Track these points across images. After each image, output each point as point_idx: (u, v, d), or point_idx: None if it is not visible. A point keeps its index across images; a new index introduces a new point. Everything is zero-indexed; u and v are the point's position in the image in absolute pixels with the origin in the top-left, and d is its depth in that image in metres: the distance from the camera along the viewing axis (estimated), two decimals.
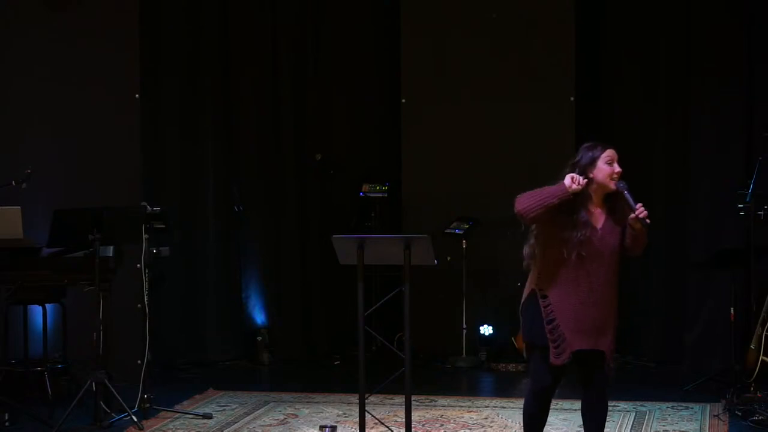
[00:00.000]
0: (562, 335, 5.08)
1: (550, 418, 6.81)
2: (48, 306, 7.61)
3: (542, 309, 5.12)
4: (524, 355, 5.76)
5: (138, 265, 7.12)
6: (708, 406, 7.19)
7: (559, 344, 5.08)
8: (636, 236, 5.09)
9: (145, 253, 7.02)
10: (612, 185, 5.11)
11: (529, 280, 5.27)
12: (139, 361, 7.09)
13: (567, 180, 5.05)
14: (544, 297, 5.13)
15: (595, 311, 5.09)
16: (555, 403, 7.14)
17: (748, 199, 7.30)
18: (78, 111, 8.15)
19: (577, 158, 5.19)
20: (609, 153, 5.16)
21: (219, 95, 9.23)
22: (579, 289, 5.08)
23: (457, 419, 7.00)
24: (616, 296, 5.16)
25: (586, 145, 5.26)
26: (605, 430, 5.35)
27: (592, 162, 5.14)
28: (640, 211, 5.01)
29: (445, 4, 9.18)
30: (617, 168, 5.13)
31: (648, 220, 5.02)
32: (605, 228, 5.11)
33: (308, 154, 9.42)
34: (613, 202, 5.15)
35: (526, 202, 5.06)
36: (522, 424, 5.43)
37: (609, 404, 5.23)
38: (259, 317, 9.35)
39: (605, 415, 5.34)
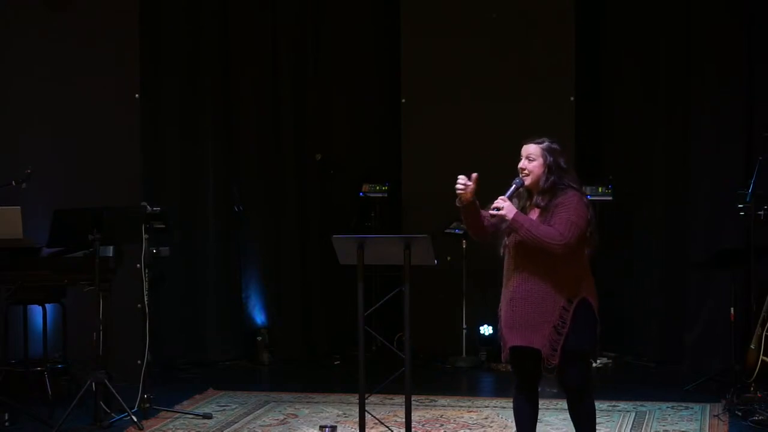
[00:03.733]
0: (502, 332, 5.21)
1: (550, 418, 6.85)
2: (48, 306, 7.61)
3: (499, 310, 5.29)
4: None
5: (138, 265, 7.12)
6: (708, 406, 7.18)
7: (503, 341, 5.21)
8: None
9: (145, 253, 7.02)
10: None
11: None
12: (139, 361, 7.08)
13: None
14: (500, 298, 5.28)
15: (525, 305, 5.09)
16: (555, 403, 7.19)
17: (748, 199, 7.30)
18: (78, 111, 8.15)
19: None
20: (522, 149, 5.27)
21: (219, 95, 9.23)
22: (510, 284, 5.17)
23: (457, 419, 7.00)
24: (556, 292, 5.07)
25: None
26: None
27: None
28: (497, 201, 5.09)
29: (445, 4, 9.18)
30: (521, 164, 5.22)
31: (496, 211, 5.07)
32: None
33: (308, 154, 9.42)
34: (547, 200, 5.15)
35: None
36: None
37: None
38: (259, 317, 9.35)
39: (586, 416, 5.30)
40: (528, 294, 5.10)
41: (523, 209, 5.19)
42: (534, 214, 5.16)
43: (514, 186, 5.17)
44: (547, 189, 5.14)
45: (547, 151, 5.20)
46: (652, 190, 8.92)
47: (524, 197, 5.23)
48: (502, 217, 5.09)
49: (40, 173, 7.58)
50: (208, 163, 9.16)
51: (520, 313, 5.12)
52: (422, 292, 8.20)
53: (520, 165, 5.21)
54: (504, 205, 5.08)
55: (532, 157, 5.20)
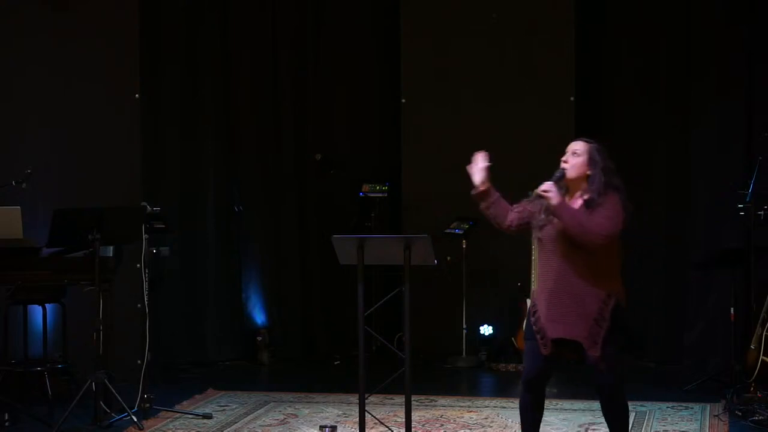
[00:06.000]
0: (542, 325, 5.20)
1: (550, 418, 6.85)
2: (48, 306, 7.61)
3: (530, 305, 5.32)
4: None
5: (138, 265, 7.12)
6: (708, 406, 7.19)
7: (542, 335, 5.20)
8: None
9: (145, 253, 7.02)
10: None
11: None
12: (139, 361, 7.08)
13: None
14: (533, 293, 5.33)
15: (565, 298, 5.13)
16: (555, 403, 7.19)
17: (748, 199, 7.31)
18: (78, 111, 8.14)
19: None
20: (569, 145, 5.32)
21: (219, 95, 9.23)
22: (550, 278, 5.20)
23: (457, 419, 7.00)
24: (596, 286, 5.12)
25: None
26: None
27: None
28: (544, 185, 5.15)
29: (445, 4, 9.19)
30: (565, 157, 5.26)
31: (543, 193, 5.11)
32: None
33: (308, 154, 9.42)
34: (592, 197, 5.20)
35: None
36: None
37: None
38: (259, 317, 9.35)
39: (618, 415, 5.30)
40: (569, 287, 5.13)
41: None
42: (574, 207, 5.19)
43: (557, 175, 5.22)
44: (595, 187, 5.18)
45: (596, 151, 5.26)
46: (652, 190, 8.91)
47: (562, 192, 5.24)
48: (546, 201, 5.12)
49: (41, 173, 7.58)
50: (208, 163, 9.16)
51: (560, 305, 5.15)
52: (422, 292, 8.20)
53: (564, 158, 5.25)
54: (552, 190, 5.13)
55: (577, 153, 5.25)
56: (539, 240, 5.26)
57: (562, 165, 5.23)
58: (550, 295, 5.18)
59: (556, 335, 5.16)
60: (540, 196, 5.14)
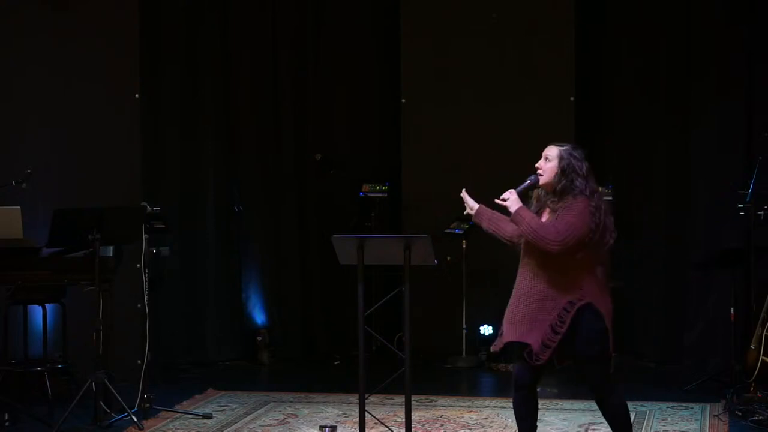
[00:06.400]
0: (502, 326, 5.27)
1: (550, 418, 6.86)
2: (48, 306, 7.61)
3: None
4: None
5: (138, 265, 7.12)
6: (708, 406, 7.19)
7: (500, 334, 5.28)
8: None
9: (145, 253, 7.02)
10: None
11: None
12: (139, 361, 7.09)
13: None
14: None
15: (522, 303, 5.18)
16: (555, 403, 7.20)
17: (748, 199, 7.31)
18: (78, 111, 8.14)
19: None
20: (544, 150, 5.34)
21: (219, 95, 9.23)
22: (517, 282, 5.27)
23: (457, 419, 7.00)
24: (559, 291, 5.12)
25: None
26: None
27: None
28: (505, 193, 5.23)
29: (445, 4, 9.19)
30: (538, 163, 5.28)
31: (500, 201, 5.22)
32: None
33: (308, 154, 9.42)
34: (558, 202, 5.21)
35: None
36: None
37: None
38: (259, 317, 9.35)
39: (613, 416, 5.31)
40: (530, 291, 5.17)
41: (540, 209, 5.26)
42: (545, 215, 5.21)
43: (528, 182, 5.27)
44: (558, 191, 5.19)
45: (566, 155, 5.23)
46: (652, 190, 8.92)
47: (543, 197, 5.27)
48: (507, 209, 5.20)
49: (41, 173, 7.58)
50: (208, 163, 9.16)
51: (518, 309, 5.19)
52: (422, 292, 8.20)
53: (537, 164, 5.27)
54: (511, 197, 5.17)
55: (549, 158, 5.26)
56: (518, 245, 5.32)
57: (538, 171, 5.24)
58: (514, 300, 5.24)
59: (508, 338, 5.22)
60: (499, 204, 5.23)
